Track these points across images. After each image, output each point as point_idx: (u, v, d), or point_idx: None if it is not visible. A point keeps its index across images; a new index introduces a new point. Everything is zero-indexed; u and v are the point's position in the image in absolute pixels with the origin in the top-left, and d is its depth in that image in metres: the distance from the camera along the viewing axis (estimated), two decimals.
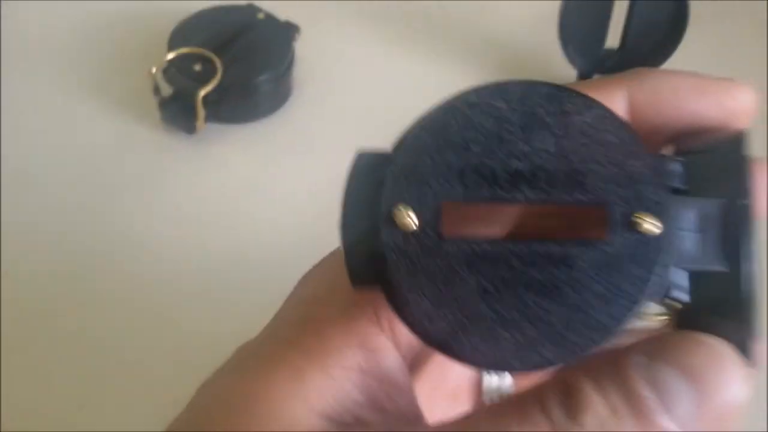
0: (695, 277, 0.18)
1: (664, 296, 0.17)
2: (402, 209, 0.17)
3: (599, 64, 0.48)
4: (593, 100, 0.18)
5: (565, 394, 0.17)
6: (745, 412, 0.40)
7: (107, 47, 0.51)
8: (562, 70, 0.49)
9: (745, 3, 0.57)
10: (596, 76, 0.49)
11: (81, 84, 0.49)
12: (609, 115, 0.17)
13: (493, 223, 0.19)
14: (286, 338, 0.19)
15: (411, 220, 0.17)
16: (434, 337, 0.17)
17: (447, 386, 0.25)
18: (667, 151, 0.21)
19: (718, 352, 0.17)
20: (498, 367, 0.17)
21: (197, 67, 0.45)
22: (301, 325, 0.20)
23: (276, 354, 0.19)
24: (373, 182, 0.17)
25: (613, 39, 0.48)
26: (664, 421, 0.16)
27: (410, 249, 0.17)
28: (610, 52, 0.48)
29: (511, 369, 0.18)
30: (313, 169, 0.46)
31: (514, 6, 0.56)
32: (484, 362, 0.17)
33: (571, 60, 0.48)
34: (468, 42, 0.53)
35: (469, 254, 0.17)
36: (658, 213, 0.17)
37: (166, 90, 0.46)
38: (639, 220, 0.17)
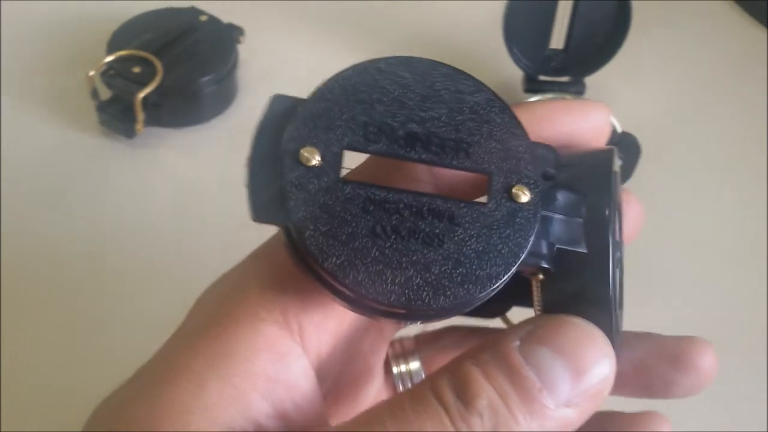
0: (557, 250, 0.19)
1: (532, 264, 0.19)
2: (307, 148, 0.18)
3: (545, 64, 0.49)
4: (484, 86, 0.20)
5: (457, 383, 0.18)
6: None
7: (46, 50, 0.50)
8: (508, 71, 0.49)
9: (684, 2, 0.58)
10: (542, 77, 0.49)
11: (17, 88, 0.48)
12: (497, 100, 0.20)
13: (388, 178, 0.20)
14: (190, 344, 0.19)
15: (314, 159, 0.18)
16: (325, 267, 0.18)
17: (365, 398, 0.25)
18: None
19: (587, 331, 0.19)
20: (380, 303, 0.18)
21: (136, 70, 0.44)
22: (206, 329, 0.19)
23: (179, 362, 0.18)
24: (283, 123, 0.19)
25: (557, 40, 0.48)
26: (547, 399, 0.18)
27: (310, 185, 0.18)
28: (555, 52, 0.48)
29: (393, 307, 0.18)
30: None
31: (460, 7, 0.56)
32: (366, 297, 0.18)
33: (517, 61, 0.48)
34: (414, 44, 0.53)
35: (364, 198, 0.18)
36: (531, 187, 0.19)
37: (105, 93, 0.45)
38: (518, 192, 0.19)
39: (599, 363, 0.19)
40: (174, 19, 0.48)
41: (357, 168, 0.21)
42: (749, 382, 0.38)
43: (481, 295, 0.18)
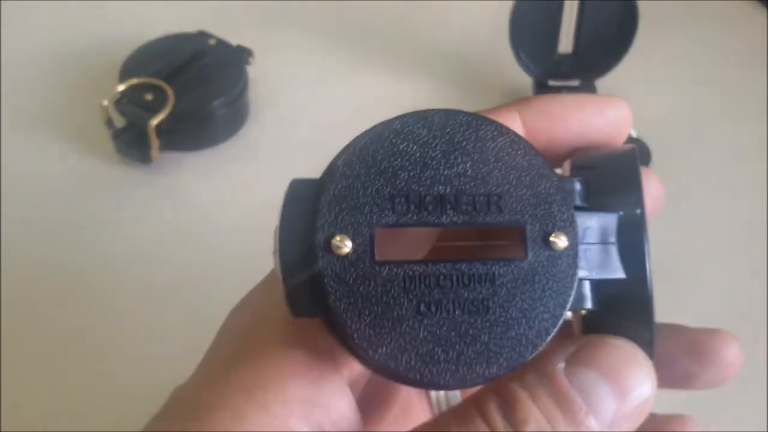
0: (596, 284, 0.19)
1: (577, 309, 0.19)
2: (338, 237, 0.17)
3: (554, 69, 0.49)
4: (504, 127, 0.19)
5: (504, 405, 0.18)
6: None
7: (59, 82, 0.51)
8: (517, 77, 0.49)
9: (692, 1, 0.58)
10: (552, 82, 0.49)
11: (34, 119, 0.48)
12: (518, 140, 0.19)
13: (422, 244, 0.20)
14: (223, 378, 0.19)
15: (346, 246, 0.17)
16: (374, 360, 0.17)
17: (397, 404, 0.25)
18: (564, 166, 0.22)
19: (630, 353, 0.19)
20: (436, 385, 0.18)
21: (149, 97, 0.45)
22: (236, 360, 0.19)
23: (214, 397, 0.18)
24: (307, 210, 0.18)
25: (565, 44, 0.48)
26: (592, 422, 0.18)
27: (347, 275, 0.17)
28: (564, 57, 0.48)
29: (448, 387, 0.18)
30: (272, 192, 0.45)
31: (465, 18, 0.56)
32: (421, 381, 0.18)
33: (525, 67, 0.48)
34: (422, 57, 0.53)
35: (403, 277, 0.18)
36: (567, 230, 0.18)
37: (119, 121, 0.46)
38: (556, 239, 0.18)
39: (642, 384, 0.19)
40: (183, 45, 0.48)
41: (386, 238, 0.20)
42: (750, 382, 0.38)
43: (533, 354, 0.18)
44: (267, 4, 0.57)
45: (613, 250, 0.19)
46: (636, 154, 0.20)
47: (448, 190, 0.18)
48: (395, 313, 0.17)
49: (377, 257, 0.18)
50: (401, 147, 0.18)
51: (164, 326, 0.40)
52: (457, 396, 0.26)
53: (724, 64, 0.54)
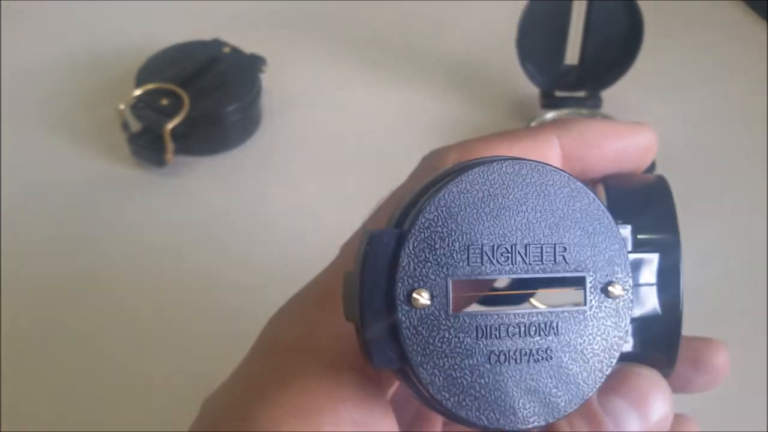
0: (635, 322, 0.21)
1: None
2: (418, 290, 0.18)
3: (560, 80, 0.49)
4: (569, 176, 0.20)
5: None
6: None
7: (77, 87, 0.52)
8: (523, 88, 0.50)
9: (697, 13, 0.59)
10: (558, 93, 0.50)
11: (52, 123, 0.50)
12: (583, 189, 0.20)
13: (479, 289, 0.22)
14: (275, 398, 0.19)
15: (424, 299, 0.18)
16: (449, 409, 0.18)
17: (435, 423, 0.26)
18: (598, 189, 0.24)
19: (655, 382, 0.21)
20: (502, 429, 0.19)
21: (164, 102, 0.46)
22: (287, 380, 0.19)
23: (267, 419, 0.19)
24: (387, 263, 0.18)
25: (572, 55, 0.49)
26: None
27: (423, 327, 0.18)
28: (570, 67, 0.49)
29: (513, 429, 0.19)
30: (285, 197, 0.46)
31: (473, 29, 0.57)
32: (488, 427, 0.19)
33: (532, 78, 0.49)
34: (431, 67, 0.54)
35: (476, 327, 0.19)
36: (624, 279, 0.19)
37: (135, 125, 0.47)
38: (612, 289, 0.19)
39: (663, 407, 0.21)
40: (198, 52, 0.49)
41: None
42: (750, 382, 0.39)
43: (590, 395, 0.19)
44: (281, 14, 0.58)
45: (654, 290, 0.21)
46: (670, 190, 0.22)
47: (517, 240, 0.19)
48: (467, 362, 0.18)
49: (452, 309, 0.18)
50: (474, 199, 0.19)
51: (174, 328, 0.40)
52: None
53: (728, 76, 0.55)
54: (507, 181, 0.19)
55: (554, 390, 0.19)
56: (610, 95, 0.50)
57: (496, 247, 0.19)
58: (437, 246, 0.18)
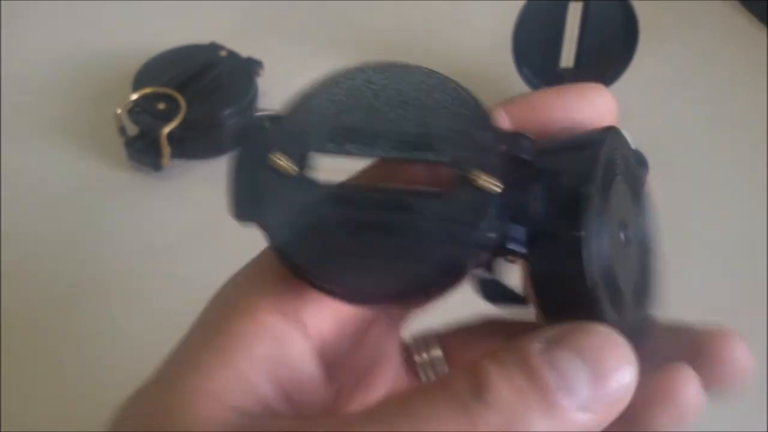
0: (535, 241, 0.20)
1: (500, 246, 0.20)
2: (278, 154, 0.20)
3: (556, 83, 0.49)
4: (456, 83, 0.21)
5: (474, 379, 0.18)
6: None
7: (74, 91, 0.52)
8: (519, 91, 0.50)
9: (692, 14, 0.59)
10: None
11: (49, 127, 0.50)
12: (466, 95, 0.21)
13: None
14: (200, 340, 0.21)
15: (282, 161, 0.20)
16: (299, 263, 0.20)
17: (371, 374, 0.25)
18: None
19: (612, 337, 0.18)
20: (350, 295, 0.20)
21: (161, 106, 0.46)
22: (211, 325, 0.21)
23: (191, 359, 0.20)
24: (262, 138, 0.20)
25: (567, 59, 0.49)
26: (565, 401, 0.17)
27: (285, 190, 0.20)
28: (566, 71, 0.49)
29: (362, 298, 0.20)
30: None
31: (469, 33, 0.57)
32: (338, 290, 0.20)
33: (529, 82, 0.49)
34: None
35: (333, 197, 0.20)
36: (495, 173, 0.19)
37: (132, 129, 0.47)
38: (475, 177, 0.19)
39: (621, 370, 0.18)
40: (195, 56, 0.49)
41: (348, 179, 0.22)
42: (749, 382, 0.39)
43: (445, 278, 0.19)
44: (278, 18, 0.58)
45: (553, 207, 0.20)
46: (611, 136, 0.21)
47: (387, 128, 0.20)
48: (320, 225, 0.19)
49: (313, 178, 0.20)
50: (354, 90, 0.21)
51: (170, 331, 0.40)
52: (441, 358, 0.26)
53: (724, 79, 0.55)
54: (391, 79, 0.21)
55: (408, 267, 0.19)
56: None
57: (362, 131, 0.20)
58: (308, 124, 0.20)
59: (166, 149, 0.45)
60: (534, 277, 0.20)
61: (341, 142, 0.20)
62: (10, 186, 0.46)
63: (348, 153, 0.20)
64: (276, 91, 0.52)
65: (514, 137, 0.20)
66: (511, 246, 0.19)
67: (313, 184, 0.20)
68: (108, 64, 0.53)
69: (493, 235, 0.19)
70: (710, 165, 0.49)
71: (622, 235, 0.21)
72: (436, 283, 0.20)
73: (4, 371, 0.38)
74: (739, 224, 0.46)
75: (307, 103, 0.21)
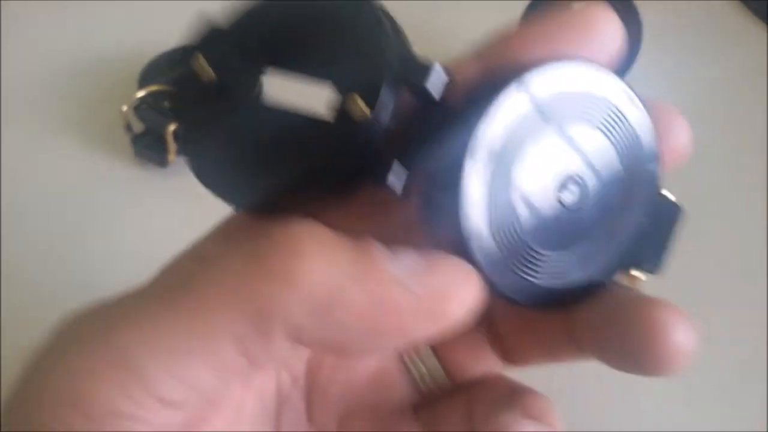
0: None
1: (366, 176, 0.19)
2: (199, 60, 0.20)
3: None
4: (374, 5, 0.20)
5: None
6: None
7: (80, 89, 0.52)
8: None
9: (695, 15, 0.59)
10: None
11: (55, 125, 0.50)
12: (384, 20, 0.20)
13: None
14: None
15: (204, 69, 0.20)
16: (198, 170, 0.21)
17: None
18: None
19: (462, 266, 0.18)
20: (249, 205, 0.21)
21: (167, 103, 0.47)
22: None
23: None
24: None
25: None
26: (383, 262, 0.18)
27: (202, 96, 0.20)
28: None
29: (258, 207, 0.21)
30: None
31: (467, 35, 0.57)
32: (239, 200, 0.21)
33: None
34: None
35: (237, 110, 0.20)
36: (383, 103, 0.18)
37: (138, 127, 0.47)
38: (352, 102, 0.19)
39: (456, 273, 0.18)
40: None
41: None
42: (750, 382, 0.39)
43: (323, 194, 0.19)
44: None
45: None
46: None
47: (289, 48, 0.20)
48: (222, 132, 0.20)
49: (225, 89, 0.20)
50: (274, 11, 0.21)
51: None
52: (439, 368, 0.26)
53: (725, 79, 0.55)
54: (308, 7, 0.20)
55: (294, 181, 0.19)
56: None
57: (267, 46, 0.20)
58: (228, 37, 0.21)
59: (172, 146, 0.46)
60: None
61: (232, 52, 0.21)
62: (17, 183, 0.47)
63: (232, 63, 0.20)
64: (280, 88, 0.52)
65: (424, 70, 0.19)
66: (382, 182, 0.19)
67: (224, 95, 0.20)
68: (114, 62, 0.54)
69: (347, 162, 0.19)
70: (710, 165, 0.49)
71: (560, 194, 0.20)
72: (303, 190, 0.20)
73: (4, 371, 0.39)
74: (739, 224, 0.46)
75: (239, 16, 0.21)
